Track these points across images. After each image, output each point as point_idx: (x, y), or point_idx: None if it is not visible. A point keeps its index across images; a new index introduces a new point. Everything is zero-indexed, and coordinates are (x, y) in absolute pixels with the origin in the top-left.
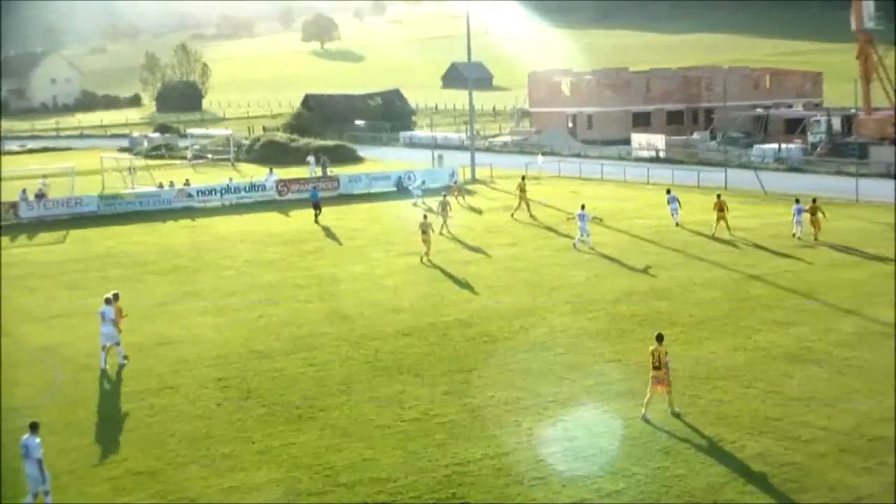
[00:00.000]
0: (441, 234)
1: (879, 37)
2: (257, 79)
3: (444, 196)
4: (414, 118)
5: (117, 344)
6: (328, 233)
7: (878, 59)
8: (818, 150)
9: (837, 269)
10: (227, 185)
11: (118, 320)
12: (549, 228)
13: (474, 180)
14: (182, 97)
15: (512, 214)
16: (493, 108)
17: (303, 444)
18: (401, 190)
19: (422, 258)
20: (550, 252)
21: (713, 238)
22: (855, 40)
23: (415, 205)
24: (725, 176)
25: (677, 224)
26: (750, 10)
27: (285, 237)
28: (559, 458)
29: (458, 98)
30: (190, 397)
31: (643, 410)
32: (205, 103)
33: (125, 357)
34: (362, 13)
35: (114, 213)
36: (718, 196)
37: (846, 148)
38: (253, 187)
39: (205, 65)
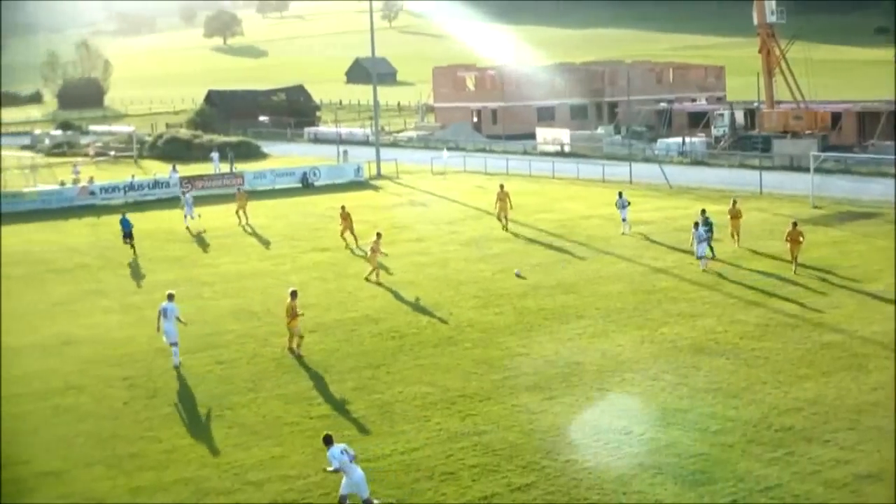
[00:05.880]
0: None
1: (781, 31)
2: (160, 75)
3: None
4: (318, 114)
5: (174, 344)
6: (233, 230)
7: (781, 52)
8: (722, 143)
9: (742, 262)
10: (131, 183)
11: (294, 318)
12: (454, 224)
13: (380, 176)
14: (84, 94)
15: (504, 228)
16: (398, 103)
17: (210, 443)
18: (306, 186)
19: (368, 277)
20: (456, 247)
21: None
22: (757, 34)
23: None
24: (630, 170)
25: (623, 233)
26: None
27: (189, 234)
28: (469, 452)
29: (362, 93)
30: (96, 397)
31: None
32: (107, 100)
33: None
34: (265, 9)
35: (15, 211)
36: (734, 202)
37: (749, 141)
38: (156, 184)
39: (107, 61)
